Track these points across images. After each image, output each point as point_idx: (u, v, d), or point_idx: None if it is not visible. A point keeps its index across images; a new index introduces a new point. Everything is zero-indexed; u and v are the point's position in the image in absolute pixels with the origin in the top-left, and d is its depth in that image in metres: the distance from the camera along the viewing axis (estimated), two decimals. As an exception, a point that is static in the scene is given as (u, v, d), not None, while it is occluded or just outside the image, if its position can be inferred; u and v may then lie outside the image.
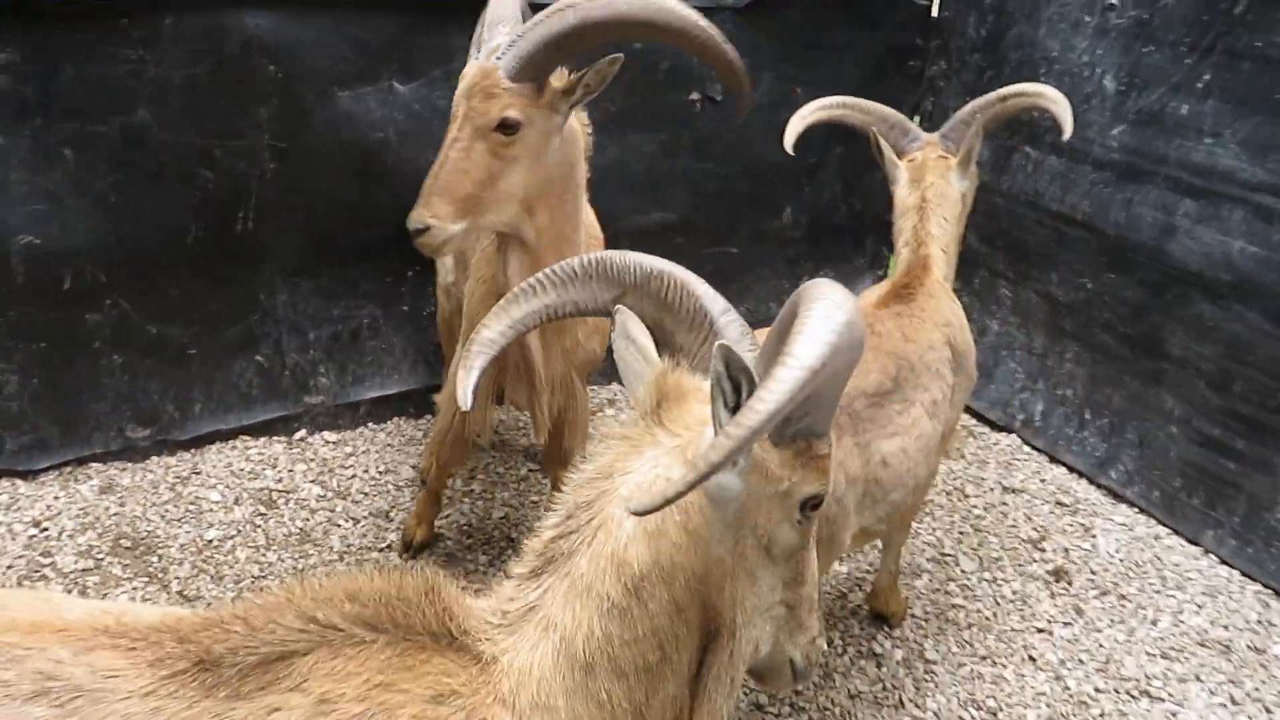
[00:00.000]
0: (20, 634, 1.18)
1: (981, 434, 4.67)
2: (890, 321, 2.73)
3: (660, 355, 1.56)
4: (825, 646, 1.56)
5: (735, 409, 1.28)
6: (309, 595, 1.30)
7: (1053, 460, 4.44)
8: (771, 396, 1.19)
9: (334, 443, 4.15)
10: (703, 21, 2.41)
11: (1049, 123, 4.16)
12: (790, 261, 4.95)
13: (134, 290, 3.64)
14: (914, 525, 3.93)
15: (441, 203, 2.46)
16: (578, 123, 2.78)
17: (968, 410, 4.84)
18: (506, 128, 2.46)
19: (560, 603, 1.36)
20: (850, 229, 5.05)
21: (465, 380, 1.61)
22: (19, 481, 3.72)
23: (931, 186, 3.02)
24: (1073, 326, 4.28)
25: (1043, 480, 4.32)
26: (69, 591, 3.25)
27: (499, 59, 2.44)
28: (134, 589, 3.30)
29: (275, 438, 4.10)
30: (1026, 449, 4.54)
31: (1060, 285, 4.30)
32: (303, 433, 4.15)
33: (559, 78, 2.55)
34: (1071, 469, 4.36)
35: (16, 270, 3.43)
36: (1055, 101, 3.04)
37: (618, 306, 1.61)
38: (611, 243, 4.51)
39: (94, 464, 3.85)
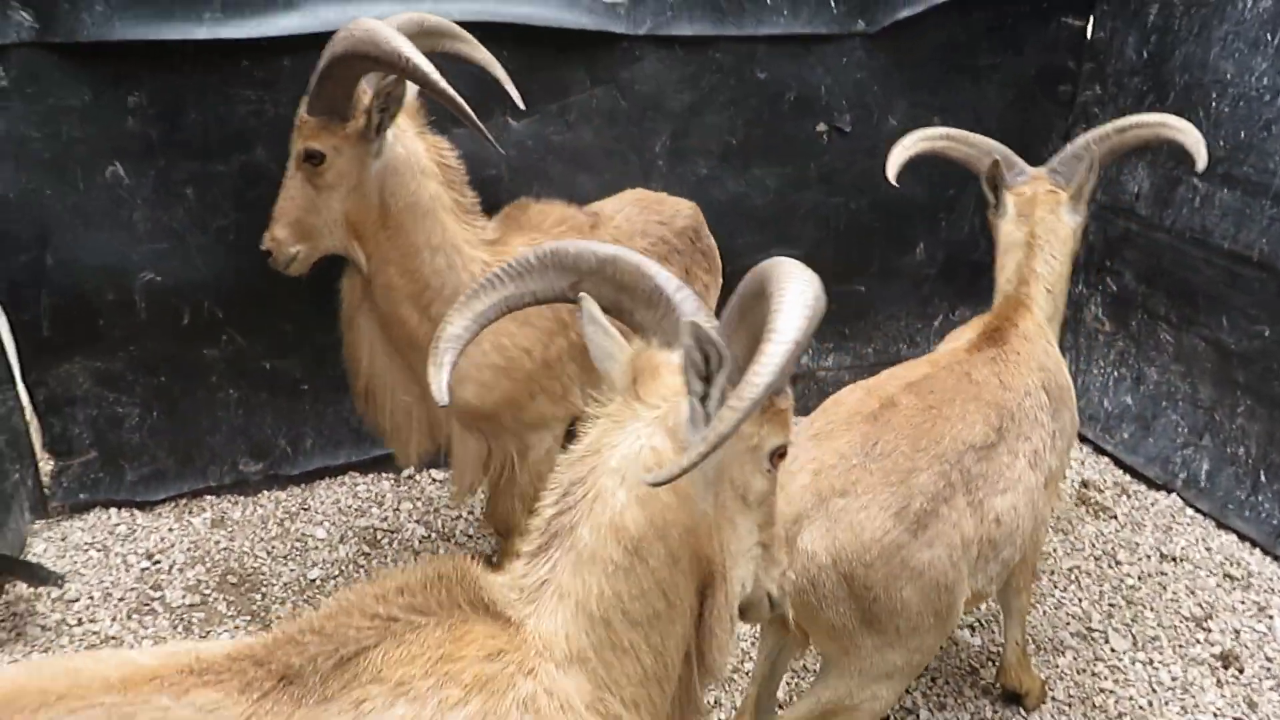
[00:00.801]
0: (119, 692, 1.26)
1: (1137, 492, 4.23)
2: (986, 368, 2.56)
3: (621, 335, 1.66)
4: (792, 576, 1.79)
5: (706, 379, 1.42)
6: (366, 595, 1.44)
7: (1220, 526, 3.97)
8: (766, 370, 1.32)
9: (441, 481, 4.09)
10: (417, 57, 2.43)
11: (1221, 153, 3.76)
12: (924, 300, 4.64)
13: (249, 325, 3.67)
14: (1057, 593, 3.57)
15: (278, 227, 2.69)
16: (421, 147, 2.76)
17: (1120, 465, 4.41)
18: (311, 158, 2.61)
19: (569, 573, 1.47)
20: (989, 266, 4.69)
21: (436, 376, 1.67)
22: (137, 512, 3.79)
23: (1041, 222, 2.82)
24: (1246, 378, 3.83)
25: (1208, 549, 3.86)
26: (174, 628, 3.26)
27: (307, 93, 2.59)
28: (236, 626, 3.29)
29: (384, 474, 4.06)
30: (1189, 512, 4.08)
31: (1232, 332, 3.85)
32: (410, 470, 4.10)
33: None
34: (1243, 537, 3.88)
35: (139, 306, 3.51)
36: (1182, 131, 2.87)
37: (581, 294, 1.68)
38: (731, 280, 4.35)
39: (208, 496, 3.90)
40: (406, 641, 1.39)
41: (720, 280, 3.52)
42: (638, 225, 3.20)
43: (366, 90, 2.62)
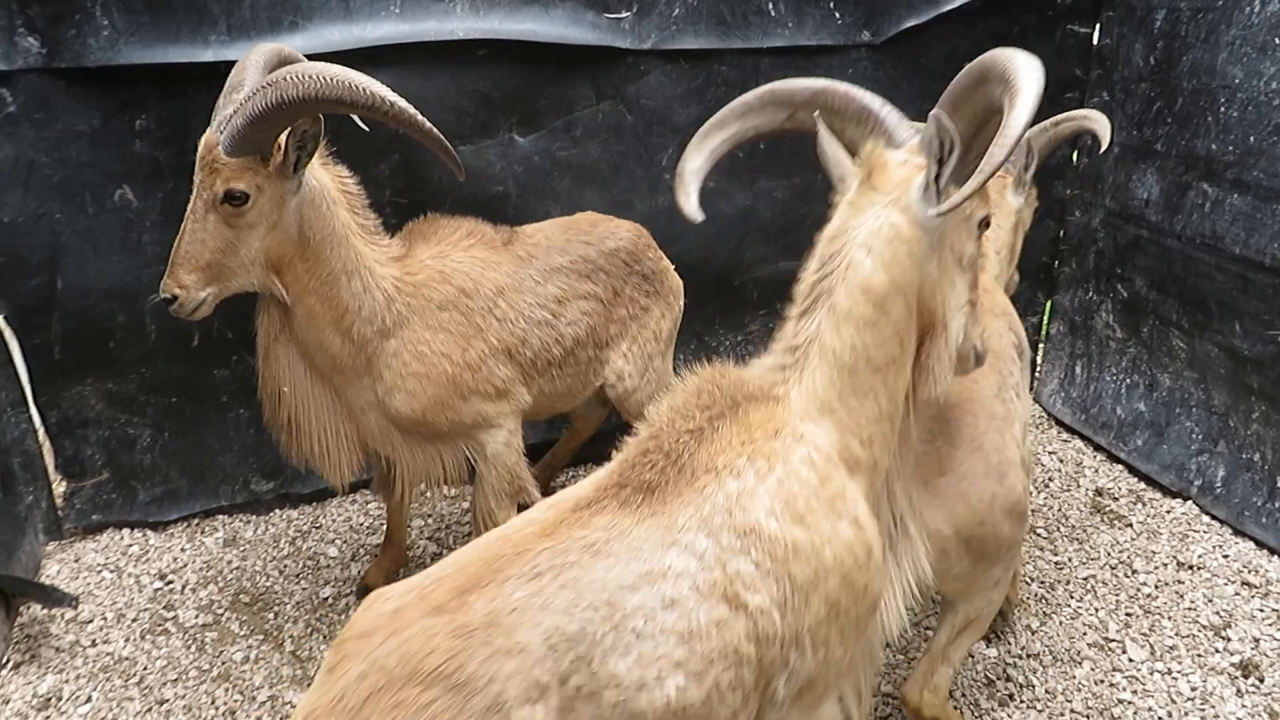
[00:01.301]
0: (547, 538, 1.66)
1: (1152, 500, 4.20)
2: None
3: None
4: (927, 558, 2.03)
5: (941, 161, 1.81)
6: (675, 417, 1.84)
7: (1237, 533, 3.94)
8: (1017, 124, 1.73)
9: (452, 498, 4.08)
10: (391, 96, 2.50)
11: (1230, 158, 3.74)
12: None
13: (260, 345, 3.68)
14: (1073, 603, 3.54)
15: (184, 273, 2.60)
16: (328, 178, 2.78)
17: (1134, 473, 4.38)
18: (233, 199, 2.56)
19: (829, 329, 1.87)
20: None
21: (687, 203, 2.12)
22: (150, 532, 3.80)
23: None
24: (1260, 383, 3.79)
25: (1225, 556, 3.82)
26: (188, 648, 3.26)
27: (221, 132, 2.52)
28: (249, 646, 3.28)
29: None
30: (1205, 519, 4.05)
31: (1245, 337, 3.82)
32: (421, 486, 4.09)
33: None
34: (1260, 544, 3.84)
35: (149, 328, 3.52)
36: (1094, 119, 3.36)
37: (815, 116, 2.08)
38: (739, 292, 4.37)
39: (220, 516, 3.91)
40: (717, 440, 1.80)
41: (674, 301, 3.51)
42: (557, 243, 3.24)
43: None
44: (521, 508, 3.11)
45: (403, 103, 2.52)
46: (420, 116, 2.54)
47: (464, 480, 3.17)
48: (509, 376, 3.06)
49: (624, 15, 3.63)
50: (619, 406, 3.54)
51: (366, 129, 2.98)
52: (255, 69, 2.68)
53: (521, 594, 1.55)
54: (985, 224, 2.00)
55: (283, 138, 2.58)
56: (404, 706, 1.42)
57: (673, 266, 3.55)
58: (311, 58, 3.18)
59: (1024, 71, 1.80)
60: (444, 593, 1.57)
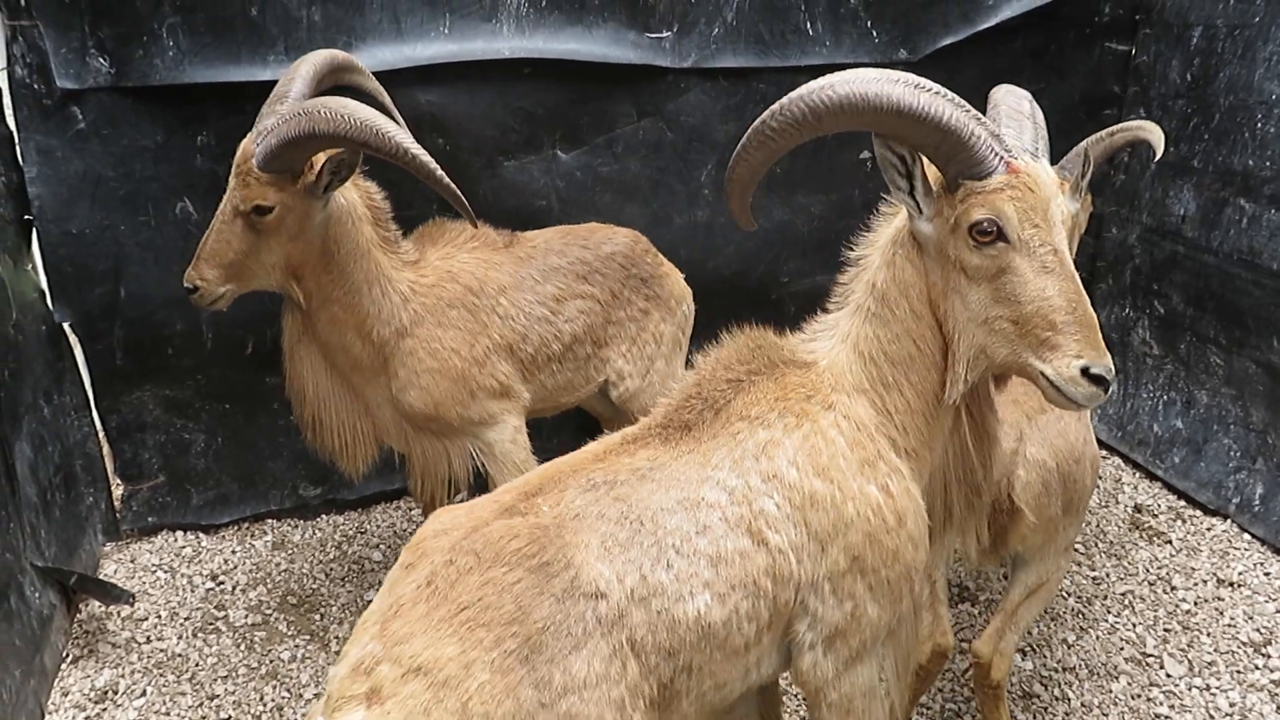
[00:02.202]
0: (599, 462, 1.94)
1: (1192, 517, 4.18)
2: None
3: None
4: (1107, 367, 1.82)
5: (907, 176, 1.92)
6: (717, 368, 2.07)
7: (1277, 551, 3.91)
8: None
9: (493, 506, 4.16)
10: (413, 148, 2.58)
11: (1267, 173, 3.75)
12: (969, 324, 4.65)
13: (310, 354, 3.79)
14: (1110, 618, 3.54)
15: (208, 268, 2.78)
16: (356, 195, 2.92)
17: (1172, 490, 4.36)
18: (260, 211, 2.71)
19: (846, 319, 2.08)
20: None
21: (742, 213, 2.12)
22: (202, 535, 3.92)
23: None
24: (1300, 400, 3.78)
25: (1266, 574, 3.80)
26: (238, 646, 3.36)
27: (257, 144, 2.65)
28: (296, 646, 3.38)
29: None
30: (1245, 537, 4.02)
31: (1283, 354, 3.82)
32: (464, 494, 4.18)
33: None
34: (1301, 562, 3.82)
35: (206, 336, 3.65)
36: (1148, 130, 3.31)
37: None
38: (777, 305, 4.42)
39: (269, 520, 4.02)
40: (753, 393, 2.01)
41: (675, 306, 3.58)
42: (555, 246, 3.38)
43: (321, 154, 2.76)
44: None
45: (424, 155, 2.61)
46: (438, 169, 2.62)
47: (470, 479, 3.28)
48: (510, 373, 3.20)
49: (665, 35, 3.72)
50: (623, 408, 3.64)
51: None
52: (303, 80, 2.81)
53: (580, 501, 1.83)
54: (979, 229, 1.84)
55: (319, 159, 2.72)
56: (493, 584, 1.67)
57: (678, 273, 3.62)
58: (366, 76, 3.32)
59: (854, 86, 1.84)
60: (512, 497, 1.86)
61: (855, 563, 1.96)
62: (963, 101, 1.83)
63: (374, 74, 3.23)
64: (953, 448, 2.15)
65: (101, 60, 3.23)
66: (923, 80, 1.82)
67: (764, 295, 4.29)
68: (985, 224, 1.84)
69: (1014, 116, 2.05)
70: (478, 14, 3.50)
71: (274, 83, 3.23)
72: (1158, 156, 3.34)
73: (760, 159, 1.98)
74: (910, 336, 1.99)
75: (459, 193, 2.70)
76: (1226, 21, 3.88)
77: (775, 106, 1.88)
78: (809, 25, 3.84)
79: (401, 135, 2.59)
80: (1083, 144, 3.28)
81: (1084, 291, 1.83)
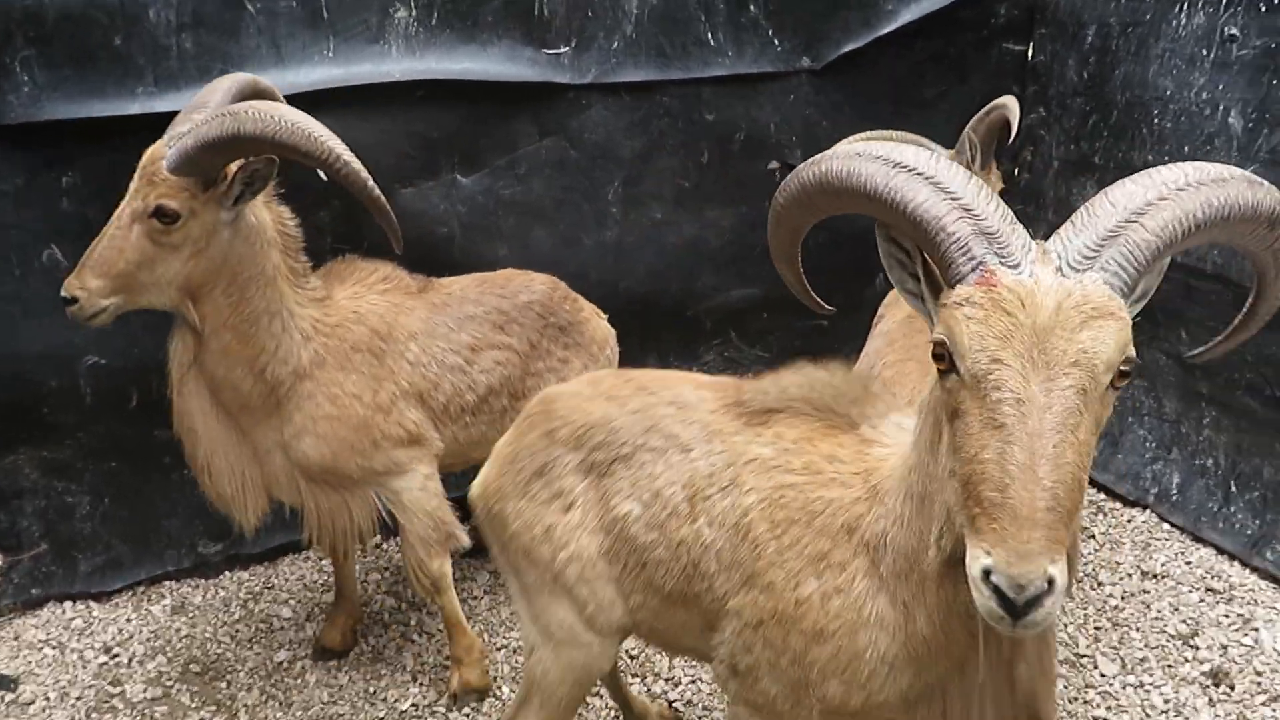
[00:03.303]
0: (661, 385, 2.23)
1: (1113, 510, 4.22)
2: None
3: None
4: (1014, 581, 1.31)
5: (915, 276, 1.62)
6: (795, 376, 2.04)
7: (1196, 540, 3.97)
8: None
9: (410, 548, 3.97)
10: (346, 155, 2.53)
11: (1167, 168, 3.80)
12: (886, 330, 4.64)
13: (202, 402, 3.56)
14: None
15: (93, 277, 2.55)
16: (269, 217, 2.79)
17: (1093, 484, 4.40)
18: (163, 216, 2.52)
19: (912, 427, 1.73)
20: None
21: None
22: (93, 604, 3.65)
23: None
24: (1210, 389, 3.84)
25: (1188, 563, 3.85)
26: (137, 725, 3.12)
27: (170, 147, 2.52)
28: (201, 719, 3.14)
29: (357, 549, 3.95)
30: (1165, 527, 4.07)
31: (1192, 344, 3.87)
32: (378, 539, 3.99)
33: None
34: (1220, 550, 3.87)
35: (84, 391, 3.40)
36: (1008, 105, 3.29)
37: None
38: (693, 322, 4.34)
39: (167, 582, 3.77)
40: (797, 420, 1.98)
41: (598, 351, 3.48)
42: (471, 294, 3.27)
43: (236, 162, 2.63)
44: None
45: (356, 164, 2.54)
46: (370, 182, 2.56)
47: (374, 531, 3.13)
48: (420, 420, 3.05)
49: (562, 50, 3.60)
50: None
51: (326, 179, 2.93)
52: (223, 93, 2.68)
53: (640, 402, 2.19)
54: (938, 354, 1.49)
55: (232, 167, 2.57)
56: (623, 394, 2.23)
57: (600, 317, 3.51)
58: (243, 105, 3.12)
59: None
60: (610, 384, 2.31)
61: (761, 626, 1.86)
62: (961, 185, 1.47)
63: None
64: (986, 641, 1.61)
65: (-52, 99, 2.97)
66: (923, 157, 1.50)
67: (679, 313, 4.20)
68: (938, 346, 1.47)
69: (1099, 212, 1.46)
70: (363, 35, 3.33)
71: (144, 116, 3.04)
72: (1013, 131, 3.29)
73: (786, 235, 1.86)
74: (930, 470, 1.61)
75: (389, 210, 2.61)
76: (1119, 19, 3.93)
77: (782, 183, 1.76)
78: (710, 36, 3.77)
79: (334, 141, 2.48)
80: (967, 127, 3.30)
81: (1049, 466, 1.33)
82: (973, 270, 1.43)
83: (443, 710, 3.18)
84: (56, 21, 2.98)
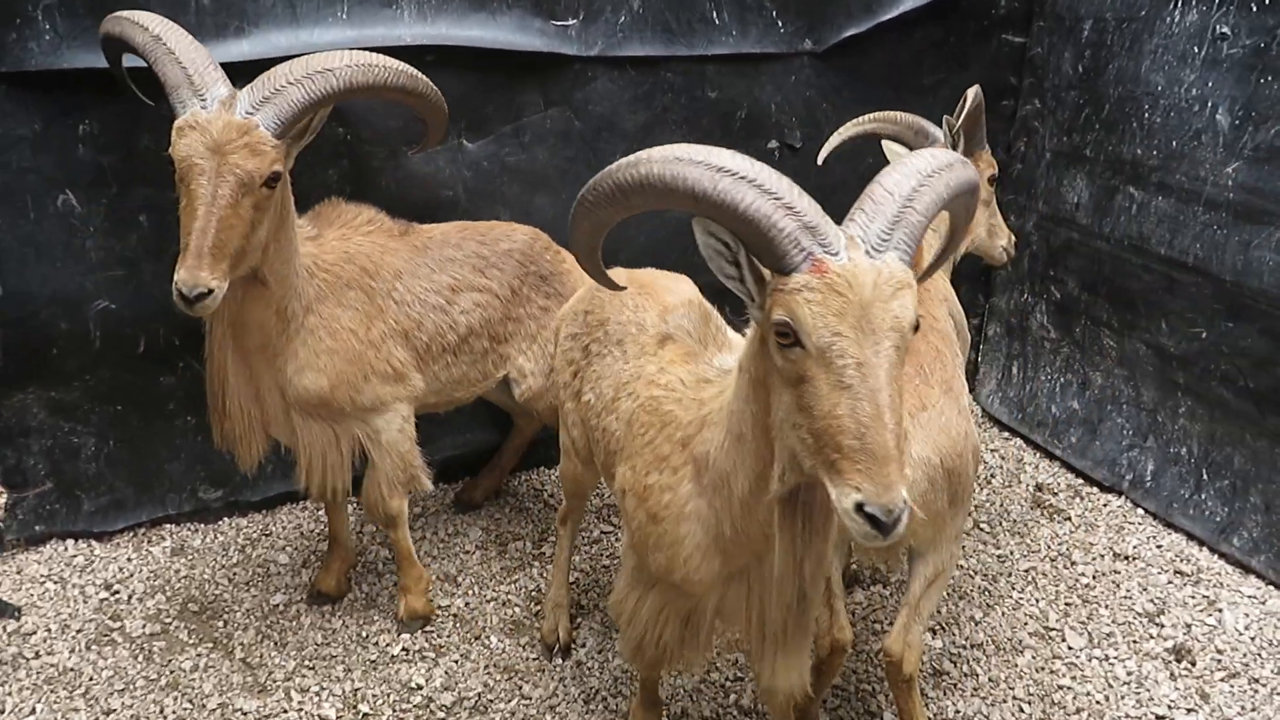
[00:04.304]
0: (649, 299, 2.61)
1: (1089, 495, 4.34)
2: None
3: None
4: (885, 507, 1.60)
5: (735, 264, 1.81)
6: (683, 309, 2.48)
7: (1168, 525, 4.08)
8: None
9: (405, 503, 4.07)
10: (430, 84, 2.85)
11: (1154, 162, 3.90)
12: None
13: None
14: (1015, 594, 3.65)
15: (218, 263, 2.47)
16: None
17: (1070, 469, 4.52)
18: (273, 181, 2.55)
19: (732, 373, 2.08)
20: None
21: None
22: (95, 543, 3.74)
23: None
24: (1186, 379, 3.95)
25: (1159, 547, 3.97)
26: (135, 658, 3.22)
27: (250, 114, 2.51)
28: (198, 655, 3.25)
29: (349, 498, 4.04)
30: (1139, 512, 4.19)
31: (1171, 335, 3.98)
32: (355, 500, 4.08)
33: None
34: (1190, 535, 3.99)
35: (93, 335, 3.48)
36: (972, 98, 3.34)
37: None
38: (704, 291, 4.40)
39: (167, 525, 3.87)
40: (676, 349, 2.39)
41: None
42: (452, 239, 3.38)
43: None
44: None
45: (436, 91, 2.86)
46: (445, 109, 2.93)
47: (358, 469, 3.26)
48: (405, 359, 3.17)
49: (570, 22, 3.68)
50: (529, 409, 3.64)
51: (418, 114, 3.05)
52: (200, 47, 2.68)
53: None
54: (781, 332, 1.72)
55: (316, 119, 2.67)
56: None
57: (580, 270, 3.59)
58: (259, 63, 3.17)
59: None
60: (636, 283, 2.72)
61: (625, 495, 2.35)
62: (779, 185, 1.68)
63: (268, 61, 3.09)
64: (780, 544, 1.98)
65: (-30, 44, 3.04)
66: (741, 161, 1.70)
67: (676, 285, 4.28)
68: (781, 326, 1.69)
69: (880, 200, 1.77)
70: (377, -1, 3.40)
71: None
72: (968, 109, 3.34)
73: (589, 229, 1.95)
74: (745, 418, 1.93)
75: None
76: (1115, 14, 4.02)
77: (592, 180, 1.86)
78: (715, 14, 3.85)
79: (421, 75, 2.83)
80: (945, 118, 3.40)
81: (890, 413, 1.62)
82: (804, 260, 1.67)
83: (433, 655, 3.30)
84: (79, -28, 3.06)
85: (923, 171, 1.81)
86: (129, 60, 2.87)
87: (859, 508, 1.61)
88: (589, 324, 2.76)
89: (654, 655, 2.48)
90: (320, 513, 3.99)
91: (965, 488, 2.68)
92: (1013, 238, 3.79)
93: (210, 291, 2.46)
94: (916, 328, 1.71)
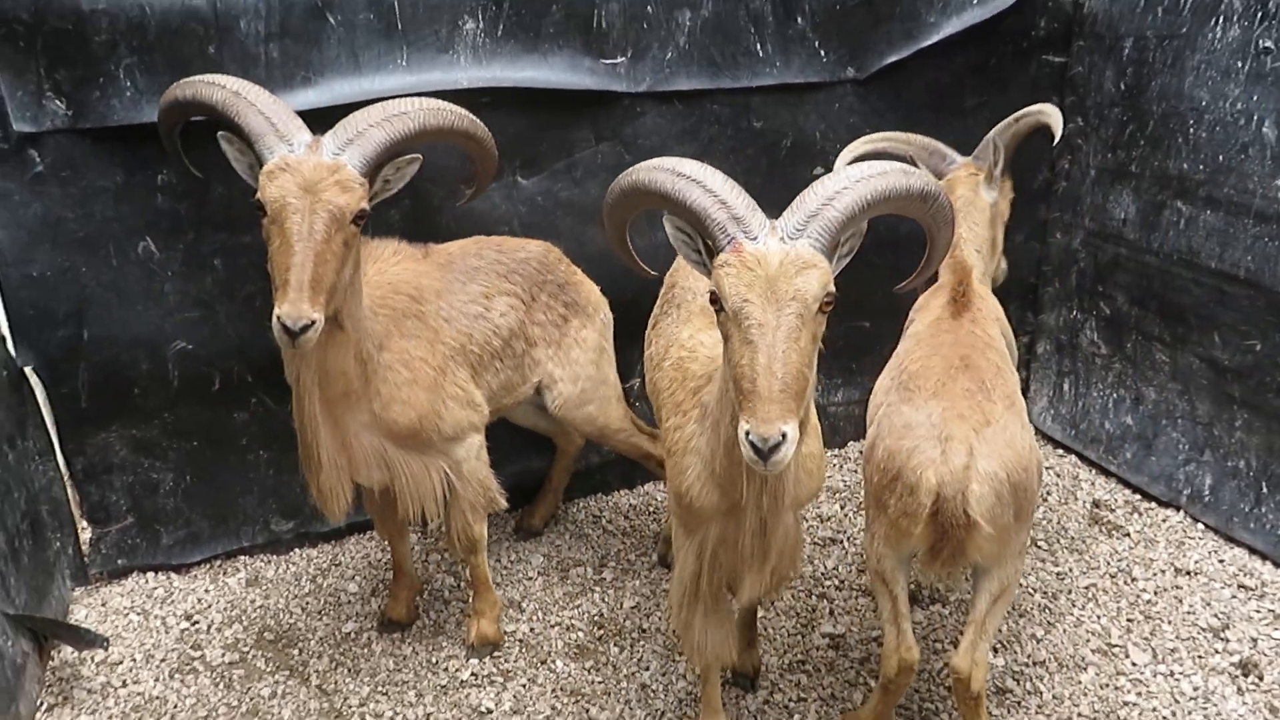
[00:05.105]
0: None
1: (1148, 510, 4.32)
2: (972, 325, 3.07)
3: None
4: (761, 437, 2.01)
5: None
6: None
7: (1229, 539, 4.06)
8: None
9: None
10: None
11: (1201, 176, 3.91)
12: (925, 332, 4.77)
13: (277, 387, 3.74)
14: (1075, 611, 3.65)
15: (320, 298, 2.53)
16: None
17: (1128, 485, 4.51)
18: (360, 219, 2.65)
19: None
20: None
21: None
22: (173, 575, 3.88)
23: (961, 197, 3.43)
24: (1242, 392, 3.94)
25: (1220, 561, 3.94)
26: (215, 685, 3.34)
27: (337, 154, 2.63)
28: (275, 682, 3.36)
29: (411, 527, 4.15)
30: (1199, 527, 4.17)
31: (1224, 348, 3.98)
32: (438, 522, 4.18)
33: None
34: (1252, 549, 3.96)
35: (172, 375, 3.63)
36: (1047, 113, 3.51)
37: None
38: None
39: (241, 557, 4.00)
40: (702, 320, 2.92)
41: (594, 312, 3.70)
42: (470, 250, 3.48)
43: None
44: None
45: (490, 137, 3.09)
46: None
47: (448, 500, 3.31)
48: (467, 379, 3.26)
49: (619, 60, 3.79)
50: (565, 421, 3.73)
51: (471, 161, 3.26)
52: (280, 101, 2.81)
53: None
54: (714, 298, 2.14)
55: (399, 174, 2.82)
56: None
57: (591, 282, 3.75)
58: (325, 110, 3.33)
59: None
60: None
61: (664, 432, 2.84)
62: (719, 186, 2.13)
63: (333, 110, 3.24)
64: (746, 478, 2.34)
65: (58, 103, 3.22)
66: (695, 167, 2.18)
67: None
68: (711, 294, 2.13)
69: (806, 198, 2.14)
70: (434, 45, 3.54)
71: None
72: (1057, 138, 3.51)
73: (612, 224, 2.51)
74: (724, 372, 2.28)
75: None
76: (1156, 33, 4.05)
77: (610, 186, 2.39)
78: (759, 47, 3.95)
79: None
80: (990, 133, 3.53)
81: (780, 365, 2.01)
82: (728, 243, 2.10)
83: (501, 679, 3.37)
84: (158, 31, 3.21)
85: (852, 177, 2.16)
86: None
87: (746, 435, 2.02)
88: (667, 285, 3.26)
89: (691, 594, 2.76)
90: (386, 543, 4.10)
91: (1030, 501, 2.70)
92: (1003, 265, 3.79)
93: (313, 323, 2.49)
94: (831, 304, 2.10)
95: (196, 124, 3.05)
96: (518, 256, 3.53)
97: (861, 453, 4.86)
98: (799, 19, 3.98)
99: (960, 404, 2.66)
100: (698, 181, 2.16)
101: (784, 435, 2.01)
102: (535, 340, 3.54)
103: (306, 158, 2.60)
